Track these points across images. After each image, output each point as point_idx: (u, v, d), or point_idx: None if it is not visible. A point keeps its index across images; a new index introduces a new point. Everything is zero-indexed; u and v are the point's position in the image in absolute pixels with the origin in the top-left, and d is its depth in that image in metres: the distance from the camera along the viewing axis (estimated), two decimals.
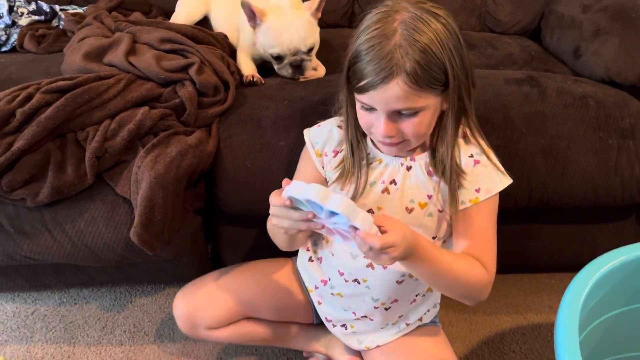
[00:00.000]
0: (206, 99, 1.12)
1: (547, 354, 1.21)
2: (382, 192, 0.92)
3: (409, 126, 0.81)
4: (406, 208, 0.91)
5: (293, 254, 1.12)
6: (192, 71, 1.10)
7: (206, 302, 1.04)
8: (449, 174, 0.87)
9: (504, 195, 1.20)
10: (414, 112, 0.79)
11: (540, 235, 1.31)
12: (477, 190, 0.88)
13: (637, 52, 1.26)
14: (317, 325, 1.14)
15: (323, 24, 1.40)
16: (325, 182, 0.97)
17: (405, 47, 0.75)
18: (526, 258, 1.36)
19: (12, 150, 0.98)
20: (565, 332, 0.76)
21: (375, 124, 0.83)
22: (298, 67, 1.26)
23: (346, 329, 1.07)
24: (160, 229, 1.00)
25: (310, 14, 1.28)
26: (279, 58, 1.26)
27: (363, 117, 0.85)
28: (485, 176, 0.89)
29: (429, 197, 0.90)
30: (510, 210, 1.21)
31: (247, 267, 1.11)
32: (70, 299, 1.34)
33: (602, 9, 1.38)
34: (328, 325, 1.09)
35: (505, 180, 0.90)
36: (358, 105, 0.85)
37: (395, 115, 0.80)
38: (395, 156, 0.91)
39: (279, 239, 0.96)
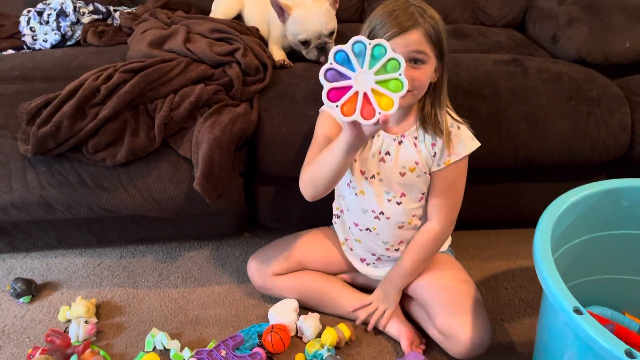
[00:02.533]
0: (249, 77, 1.35)
1: (533, 289, 1.44)
2: (379, 161, 1.16)
3: (418, 74, 1.02)
4: (400, 173, 1.16)
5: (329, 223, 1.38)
6: (238, 55, 1.34)
7: (272, 255, 1.32)
8: (443, 131, 1.11)
9: (494, 155, 1.45)
10: (424, 62, 1.02)
11: (526, 193, 1.53)
12: (449, 154, 1.13)
13: (604, 37, 1.51)
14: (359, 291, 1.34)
15: (337, 19, 1.65)
16: None
17: (421, 13, 1.01)
18: (515, 214, 1.59)
19: (99, 118, 1.21)
20: (541, 245, 0.96)
21: None
22: (322, 49, 1.48)
23: (378, 262, 1.30)
24: (217, 181, 1.24)
25: (329, 4, 1.53)
26: (305, 43, 1.50)
27: None
28: (456, 143, 1.12)
29: (416, 163, 1.14)
30: (500, 169, 1.44)
31: (299, 233, 1.38)
32: (129, 253, 1.57)
33: (574, 2, 1.63)
34: (363, 265, 1.32)
35: (471, 146, 1.13)
36: None
37: (409, 65, 1.00)
38: (387, 134, 1.14)
39: (320, 180, 1.09)
